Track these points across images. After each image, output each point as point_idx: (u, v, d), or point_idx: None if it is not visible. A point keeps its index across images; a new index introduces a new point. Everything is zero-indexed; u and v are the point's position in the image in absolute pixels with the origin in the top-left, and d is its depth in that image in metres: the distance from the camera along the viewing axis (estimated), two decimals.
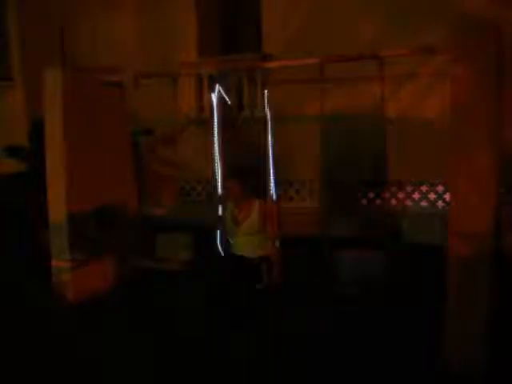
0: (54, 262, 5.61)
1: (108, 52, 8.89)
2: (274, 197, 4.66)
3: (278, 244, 4.71)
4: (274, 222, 4.61)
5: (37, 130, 6.81)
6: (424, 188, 7.35)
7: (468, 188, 3.67)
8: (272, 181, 4.54)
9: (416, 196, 7.39)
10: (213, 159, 4.74)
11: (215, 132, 4.70)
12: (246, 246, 4.68)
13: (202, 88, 8.46)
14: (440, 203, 7.27)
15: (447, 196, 6.91)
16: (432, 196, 7.33)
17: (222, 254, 4.95)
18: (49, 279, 5.60)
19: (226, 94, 8.28)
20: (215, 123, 4.67)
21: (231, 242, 4.84)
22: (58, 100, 5.43)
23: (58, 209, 5.55)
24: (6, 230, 7.63)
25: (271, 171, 4.54)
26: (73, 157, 5.50)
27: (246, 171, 4.66)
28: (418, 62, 5.90)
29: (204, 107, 8.50)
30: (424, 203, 7.37)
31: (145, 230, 6.53)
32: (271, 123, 4.48)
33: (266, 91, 4.68)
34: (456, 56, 3.65)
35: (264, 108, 4.69)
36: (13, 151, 7.59)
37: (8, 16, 9.62)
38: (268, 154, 4.52)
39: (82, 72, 5.72)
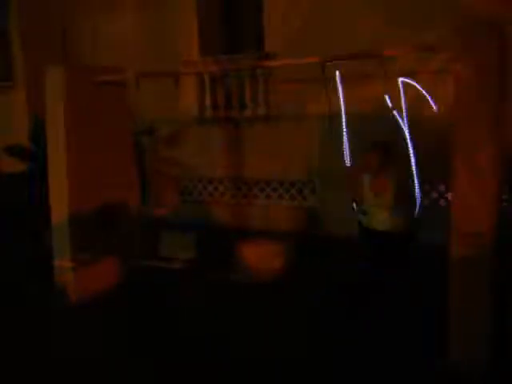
0: (56, 262, 5.62)
1: (109, 52, 8.88)
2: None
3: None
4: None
5: (38, 130, 6.82)
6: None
7: (470, 187, 3.66)
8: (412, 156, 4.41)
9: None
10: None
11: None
12: (383, 220, 4.60)
13: (204, 87, 8.46)
14: (442, 202, 7.27)
15: (448, 195, 6.90)
16: (434, 195, 7.33)
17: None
18: (51, 279, 5.61)
19: (226, 93, 8.32)
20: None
21: (367, 213, 4.75)
22: (59, 100, 5.43)
23: (59, 209, 5.55)
24: (7, 229, 7.64)
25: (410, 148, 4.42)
26: (74, 157, 5.50)
27: (385, 144, 4.63)
28: (420, 61, 5.90)
29: (206, 106, 8.51)
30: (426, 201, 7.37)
31: (147, 230, 6.53)
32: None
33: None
34: (458, 55, 3.65)
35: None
36: (14, 151, 7.59)
37: (9, 16, 9.63)
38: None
39: (84, 72, 5.70)
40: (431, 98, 4.58)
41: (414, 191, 4.41)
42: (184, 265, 6.23)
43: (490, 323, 3.72)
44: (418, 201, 4.47)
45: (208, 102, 8.43)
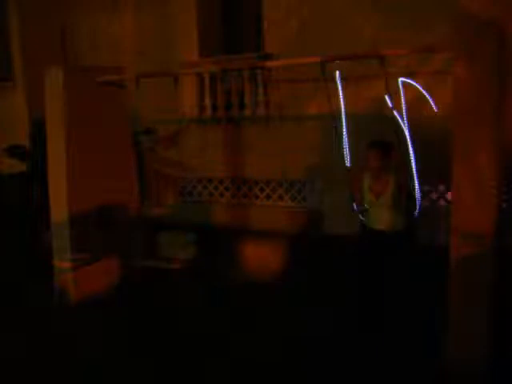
0: (55, 262, 5.61)
1: (109, 52, 8.89)
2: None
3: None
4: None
5: (38, 130, 6.83)
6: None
7: (470, 188, 3.66)
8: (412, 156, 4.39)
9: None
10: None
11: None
12: (385, 219, 4.58)
13: (204, 88, 8.46)
14: (442, 202, 7.27)
15: (449, 195, 6.90)
16: (434, 195, 7.34)
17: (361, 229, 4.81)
18: (51, 279, 5.61)
19: (226, 93, 8.32)
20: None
21: (366, 214, 4.72)
22: (59, 100, 5.44)
23: (59, 209, 5.55)
24: (7, 229, 7.64)
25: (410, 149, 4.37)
26: (74, 157, 5.50)
27: (388, 142, 4.56)
28: (420, 61, 5.90)
29: (206, 107, 8.51)
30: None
31: (146, 230, 6.53)
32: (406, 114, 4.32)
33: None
34: (457, 55, 3.64)
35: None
36: (14, 151, 7.60)
37: (9, 16, 9.63)
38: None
39: (83, 72, 5.71)
40: (431, 99, 4.57)
41: (414, 191, 4.36)
42: (183, 265, 6.24)
43: (490, 323, 3.72)
44: (418, 200, 4.47)
45: (208, 102, 8.43)
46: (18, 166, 7.76)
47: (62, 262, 5.54)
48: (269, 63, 7.14)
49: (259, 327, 4.72)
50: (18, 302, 5.56)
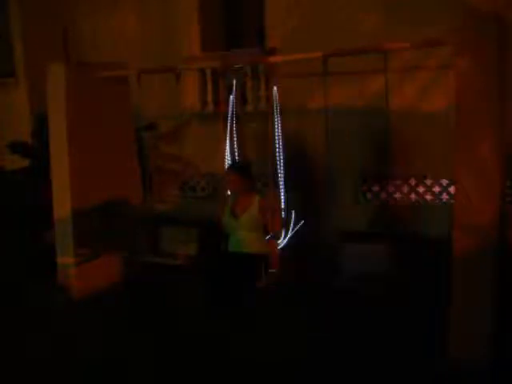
0: (58, 259, 5.63)
1: (111, 47, 8.87)
2: (280, 191, 4.46)
3: (278, 241, 4.54)
4: (274, 217, 4.41)
5: (40, 127, 6.83)
6: (428, 181, 7.33)
7: (472, 184, 3.65)
8: (280, 175, 4.38)
9: (421, 189, 7.37)
10: (224, 155, 4.66)
11: (228, 127, 4.58)
12: (244, 242, 4.51)
13: (206, 83, 8.44)
14: (445, 196, 7.25)
15: (452, 189, 6.87)
16: (436, 189, 7.31)
17: (221, 251, 4.75)
18: (53, 277, 5.62)
19: (228, 88, 8.28)
20: (229, 118, 4.56)
21: (229, 237, 4.69)
22: (61, 96, 5.44)
23: (62, 205, 5.57)
24: (9, 226, 7.64)
25: (280, 166, 4.35)
26: (77, 153, 5.51)
27: (246, 165, 4.62)
28: (422, 56, 5.87)
29: (208, 102, 8.49)
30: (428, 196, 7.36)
31: (149, 226, 6.54)
32: (280, 117, 4.37)
33: (274, 88, 4.44)
34: (459, 50, 3.63)
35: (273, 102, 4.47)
36: (16, 147, 7.61)
37: (11, 13, 9.61)
38: (277, 147, 4.38)
39: (85, 69, 5.71)
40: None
41: (289, 215, 4.32)
42: (186, 261, 6.24)
43: (491, 322, 3.71)
44: (292, 227, 4.43)
45: (210, 97, 8.41)
46: (20, 162, 7.76)
47: (65, 258, 5.56)
48: (271, 58, 7.13)
49: (259, 327, 4.70)
50: (20, 300, 5.58)
